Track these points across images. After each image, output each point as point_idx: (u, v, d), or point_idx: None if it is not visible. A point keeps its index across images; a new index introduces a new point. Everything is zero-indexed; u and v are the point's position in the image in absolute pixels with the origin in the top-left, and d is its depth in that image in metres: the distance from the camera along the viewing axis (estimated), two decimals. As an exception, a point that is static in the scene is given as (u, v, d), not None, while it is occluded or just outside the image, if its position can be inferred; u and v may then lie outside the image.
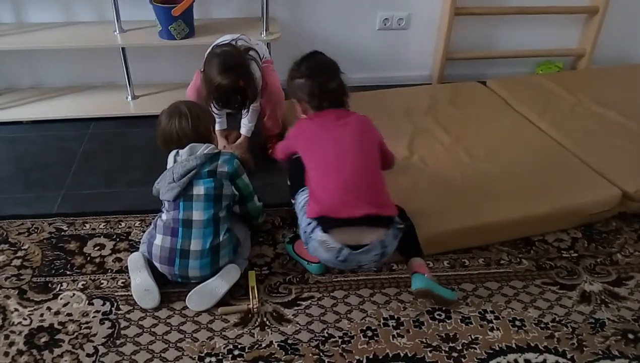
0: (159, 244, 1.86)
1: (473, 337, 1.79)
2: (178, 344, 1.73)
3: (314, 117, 1.98)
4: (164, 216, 1.90)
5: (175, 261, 1.84)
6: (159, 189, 1.93)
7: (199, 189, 1.86)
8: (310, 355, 1.72)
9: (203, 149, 1.91)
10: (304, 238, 1.85)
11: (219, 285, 1.86)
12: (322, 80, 1.97)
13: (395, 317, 1.85)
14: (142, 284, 1.86)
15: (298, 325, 1.81)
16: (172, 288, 1.91)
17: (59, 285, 1.93)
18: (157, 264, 1.88)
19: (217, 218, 1.87)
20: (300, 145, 1.97)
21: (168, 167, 1.94)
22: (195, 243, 1.83)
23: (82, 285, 1.93)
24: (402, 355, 1.73)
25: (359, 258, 1.76)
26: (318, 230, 1.76)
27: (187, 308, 1.85)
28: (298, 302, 1.89)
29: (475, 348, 1.75)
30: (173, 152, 1.95)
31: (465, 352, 1.74)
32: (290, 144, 2.05)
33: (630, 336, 1.81)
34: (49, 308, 1.84)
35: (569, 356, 1.74)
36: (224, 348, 1.73)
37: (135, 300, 1.86)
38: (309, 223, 1.80)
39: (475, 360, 1.71)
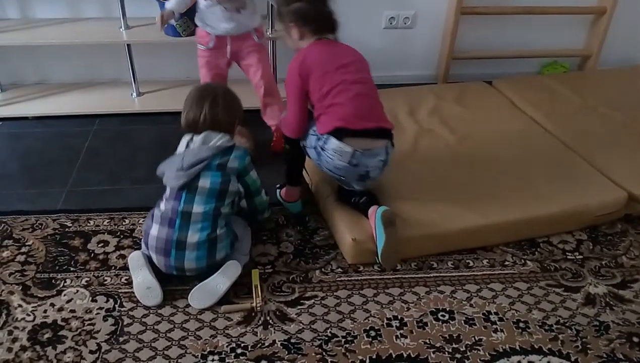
0: (155, 235, 1.85)
1: (477, 339, 1.78)
2: (181, 342, 1.73)
3: (314, 44, 2.03)
4: (162, 205, 1.88)
5: (171, 252, 1.82)
6: (163, 171, 1.91)
7: (205, 182, 1.85)
8: (313, 354, 1.71)
9: (217, 139, 1.89)
10: (315, 155, 2.02)
11: (220, 282, 1.85)
12: (318, 4, 2.04)
13: (399, 317, 1.85)
14: (143, 282, 1.86)
15: (301, 325, 1.81)
16: (175, 286, 1.91)
17: (63, 282, 1.93)
18: (152, 255, 1.87)
19: (218, 213, 1.86)
20: (305, 71, 1.97)
21: (178, 150, 1.93)
22: (192, 235, 1.82)
23: (86, 281, 1.93)
24: (405, 355, 1.72)
25: (367, 161, 1.96)
26: (332, 139, 1.93)
27: (190, 306, 1.85)
28: (301, 301, 1.89)
29: (478, 350, 1.74)
30: (187, 137, 1.92)
31: (468, 353, 1.73)
32: (295, 78, 1.99)
33: (635, 339, 1.80)
34: (52, 305, 1.84)
35: (573, 359, 1.73)
36: (227, 346, 1.73)
37: (138, 299, 1.86)
38: (319, 139, 1.96)
39: (479, 361, 1.71)
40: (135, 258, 1.91)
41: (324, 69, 1.96)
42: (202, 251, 1.83)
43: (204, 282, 1.85)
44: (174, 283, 1.92)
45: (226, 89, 2.04)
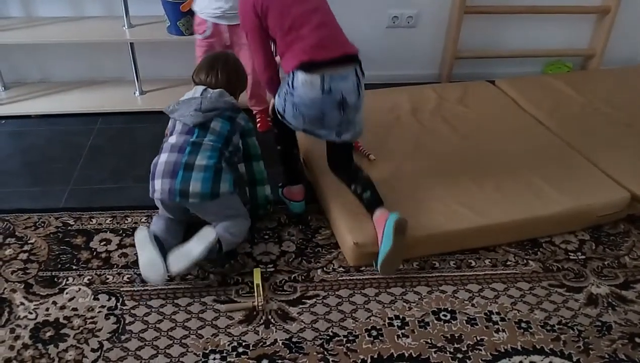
0: (163, 161, 1.92)
1: (478, 339, 1.78)
2: (183, 340, 1.74)
3: None
4: (172, 139, 1.98)
5: (179, 173, 1.88)
6: (176, 109, 2.03)
7: (216, 125, 2.00)
8: (315, 353, 1.71)
9: (230, 98, 2.07)
10: (283, 101, 1.96)
11: (194, 246, 1.86)
12: None
13: (401, 316, 1.85)
14: (147, 259, 1.84)
15: (303, 324, 1.81)
16: (177, 285, 1.91)
17: (65, 280, 1.93)
18: (157, 182, 1.91)
19: (222, 152, 1.97)
20: (261, 8, 1.90)
21: (191, 94, 2.06)
22: (200, 159, 1.91)
23: (88, 280, 1.94)
24: (406, 355, 1.72)
25: (340, 85, 1.89)
26: (299, 73, 1.87)
27: (193, 304, 1.85)
28: (303, 300, 1.89)
29: (480, 350, 1.74)
30: (202, 87, 2.07)
31: (470, 353, 1.73)
32: (251, 17, 1.93)
33: (637, 340, 1.80)
34: (54, 303, 1.85)
35: (575, 359, 1.72)
36: (229, 345, 1.73)
37: (143, 277, 1.85)
38: (288, 80, 1.91)
39: (481, 361, 1.70)
40: (140, 235, 1.91)
41: (281, 2, 1.90)
42: (208, 173, 1.90)
43: (178, 248, 1.87)
44: (176, 281, 1.93)
45: (236, 59, 2.22)
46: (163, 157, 1.93)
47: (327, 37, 1.92)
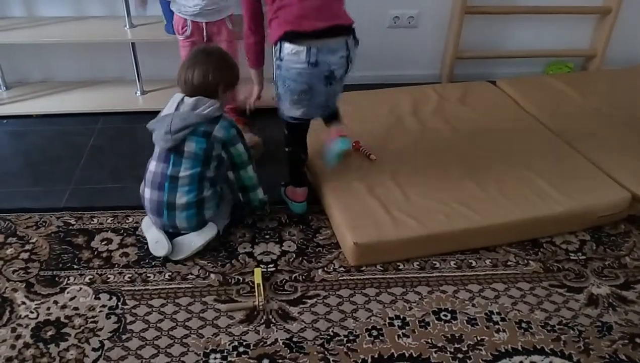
0: (148, 198, 2.00)
1: (479, 339, 1.78)
2: (183, 340, 1.74)
3: None
4: (152, 166, 2.00)
5: (164, 213, 1.98)
6: (153, 129, 2.00)
7: (191, 146, 1.94)
8: (315, 353, 1.72)
9: (206, 107, 1.94)
10: (280, 78, 1.94)
11: (195, 239, 2.01)
12: None
13: (401, 316, 1.85)
14: (152, 238, 2.02)
15: (303, 323, 1.81)
16: (178, 285, 1.92)
17: (66, 279, 1.94)
18: (149, 216, 2.05)
19: (203, 176, 1.97)
20: None
21: (168, 110, 1.99)
22: (180, 196, 1.95)
23: (89, 279, 1.94)
24: (407, 355, 1.72)
25: (327, 58, 1.87)
26: (285, 43, 1.85)
27: (193, 304, 1.85)
28: (304, 300, 1.89)
29: (480, 350, 1.74)
30: (179, 97, 1.99)
31: (470, 353, 1.73)
32: None
33: (638, 340, 1.80)
34: (55, 302, 1.85)
35: (575, 359, 1.72)
36: (229, 345, 1.73)
37: (152, 254, 2.02)
38: (275, 51, 1.89)
39: (481, 361, 1.70)
40: (145, 221, 2.11)
41: None
42: (191, 211, 1.97)
43: (181, 238, 2.01)
44: (177, 281, 1.93)
45: (220, 51, 2.09)
46: (147, 193, 2.00)
47: (315, 7, 1.86)
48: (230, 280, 1.95)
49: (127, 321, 1.79)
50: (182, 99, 1.97)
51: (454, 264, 2.06)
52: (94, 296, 1.88)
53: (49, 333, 1.75)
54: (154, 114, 2.87)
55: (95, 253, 2.05)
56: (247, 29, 2.04)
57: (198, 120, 1.92)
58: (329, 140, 2.11)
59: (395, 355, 1.72)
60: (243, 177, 2.11)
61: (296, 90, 1.94)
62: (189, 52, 2.10)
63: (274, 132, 2.63)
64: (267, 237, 2.15)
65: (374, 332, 1.79)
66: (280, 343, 1.74)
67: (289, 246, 2.11)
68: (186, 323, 1.79)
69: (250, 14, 2.00)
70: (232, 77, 2.06)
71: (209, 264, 2.01)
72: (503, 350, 1.74)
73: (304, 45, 1.83)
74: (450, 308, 1.88)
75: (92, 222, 2.19)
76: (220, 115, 1.98)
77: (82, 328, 1.77)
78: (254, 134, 2.57)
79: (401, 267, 2.03)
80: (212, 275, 1.97)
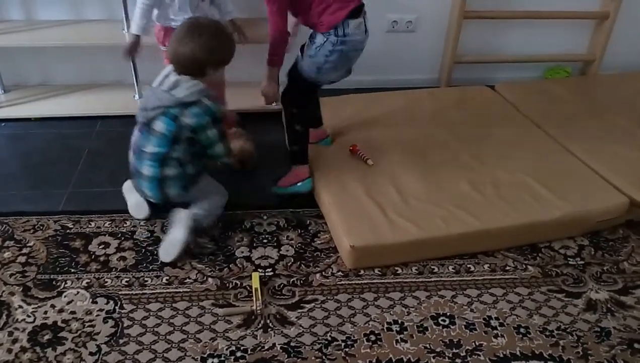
0: (130, 160, 2.09)
1: (477, 344, 1.78)
2: (181, 344, 1.73)
3: None
4: (136, 132, 2.06)
5: (137, 178, 2.08)
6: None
7: (159, 126, 1.95)
8: (313, 358, 1.71)
9: (184, 89, 1.92)
10: (322, 59, 2.07)
11: (177, 232, 2.03)
12: None
13: (399, 321, 1.84)
14: (134, 201, 2.18)
15: (301, 328, 1.80)
16: (175, 289, 1.91)
17: (63, 283, 1.93)
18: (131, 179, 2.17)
19: (167, 156, 1.98)
20: None
21: (156, 81, 2.01)
22: (144, 168, 2.01)
23: (87, 283, 1.93)
24: (405, 360, 1.72)
25: (368, 25, 2.13)
26: (350, 21, 2.02)
27: (191, 308, 1.85)
28: (301, 305, 1.88)
29: (479, 355, 1.74)
30: (168, 70, 2.00)
31: (469, 358, 1.73)
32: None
33: (637, 346, 1.79)
34: (52, 306, 1.84)
35: (573, 365, 1.73)
36: (227, 349, 1.72)
37: (133, 216, 2.19)
38: (337, 33, 2.02)
39: (479, 366, 1.70)
40: (126, 185, 2.24)
41: None
42: (153, 184, 2.03)
43: (165, 240, 2.05)
44: (175, 285, 1.93)
45: (212, 27, 2.00)
46: (130, 156, 2.09)
47: None
48: (228, 285, 1.95)
49: (125, 325, 1.79)
50: (168, 74, 1.97)
51: (452, 269, 2.06)
52: (91, 300, 1.87)
53: (46, 337, 1.74)
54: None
55: (93, 257, 2.04)
56: (282, 29, 2.06)
57: (170, 104, 1.92)
58: (300, 177, 2.30)
59: (394, 360, 1.71)
60: (209, 153, 2.06)
61: (353, 60, 2.17)
62: (182, 23, 2.02)
63: (265, 137, 2.65)
64: (265, 241, 2.14)
65: (372, 337, 1.79)
66: (278, 348, 1.73)
67: (287, 250, 2.10)
68: (183, 328, 1.79)
69: (284, 14, 2.06)
70: (222, 54, 2.01)
71: (207, 268, 2.01)
72: (501, 356, 1.74)
73: (361, 18, 2.06)
74: (448, 313, 1.88)
75: (89, 226, 2.18)
76: (197, 101, 1.93)
77: (79, 332, 1.76)
78: (245, 141, 2.54)
79: (399, 271, 2.03)
80: (210, 280, 1.96)
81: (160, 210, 2.17)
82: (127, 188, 2.23)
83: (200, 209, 2.08)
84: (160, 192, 2.04)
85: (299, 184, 2.30)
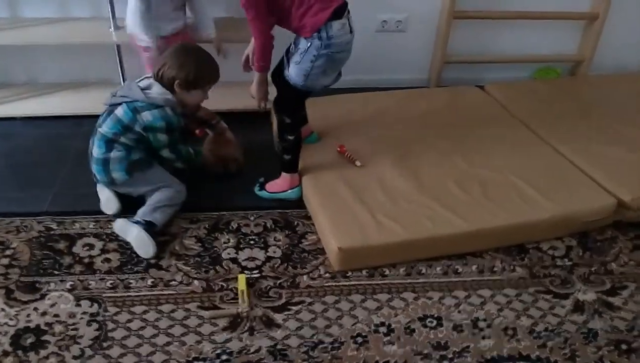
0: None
1: (464, 346, 1.77)
2: (165, 348, 1.71)
3: None
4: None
5: (91, 161, 2.18)
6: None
7: (120, 112, 2.07)
8: (300, 361, 1.70)
9: (154, 92, 2.07)
10: (308, 65, 2.03)
11: (134, 234, 2.04)
12: None
13: (387, 323, 1.83)
14: (106, 197, 2.22)
15: (288, 330, 1.79)
16: (160, 291, 1.89)
17: (47, 285, 1.90)
18: None
19: (116, 139, 2.08)
20: None
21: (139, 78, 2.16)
22: (95, 150, 2.12)
23: (70, 285, 1.91)
24: (392, 362, 1.71)
25: (353, 24, 2.08)
26: (334, 23, 1.98)
27: (176, 311, 1.83)
28: (288, 307, 1.87)
29: (466, 357, 1.73)
30: (150, 73, 2.15)
31: (456, 360, 1.72)
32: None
33: (624, 347, 1.79)
34: (35, 309, 1.82)
35: (561, 366, 1.72)
36: (212, 352, 1.71)
37: (103, 211, 2.21)
38: (320, 36, 1.98)
39: (466, 369, 1.70)
40: (99, 184, 2.27)
41: None
42: (99, 165, 2.13)
43: (133, 245, 2.05)
44: (160, 287, 1.91)
45: (196, 48, 2.18)
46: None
47: None
48: (213, 287, 1.93)
49: (109, 328, 1.76)
50: (149, 77, 2.14)
51: (440, 270, 2.05)
52: (74, 303, 1.85)
53: (29, 340, 1.71)
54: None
55: (77, 259, 2.02)
56: (266, 34, 2.04)
57: (137, 98, 2.06)
58: (291, 185, 2.31)
59: (381, 362, 1.70)
60: (160, 156, 2.20)
61: (341, 62, 2.12)
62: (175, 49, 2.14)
63: (253, 137, 2.64)
64: (252, 242, 2.13)
65: (359, 339, 1.77)
66: (264, 351, 1.72)
67: (274, 252, 2.09)
68: (168, 331, 1.77)
69: (264, 18, 2.02)
70: (193, 74, 2.09)
71: (193, 270, 1.98)
72: (489, 357, 1.74)
73: (345, 18, 2.02)
74: (436, 315, 1.87)
75: (73, 227, 2.16)
76: (160, 106, 2.07)
77: (63, 335, 1.73)
78: (234, 147, 2.50)
79: (387, 272, 2.02)
80: (196, 282, 1.94)
81: (131, 204, 2.17)
82: (100, 185, 2.26)
83: (155, 213, 2.10)
84: (107, 175, 2.13)
85: (289, 191, 2.30)
